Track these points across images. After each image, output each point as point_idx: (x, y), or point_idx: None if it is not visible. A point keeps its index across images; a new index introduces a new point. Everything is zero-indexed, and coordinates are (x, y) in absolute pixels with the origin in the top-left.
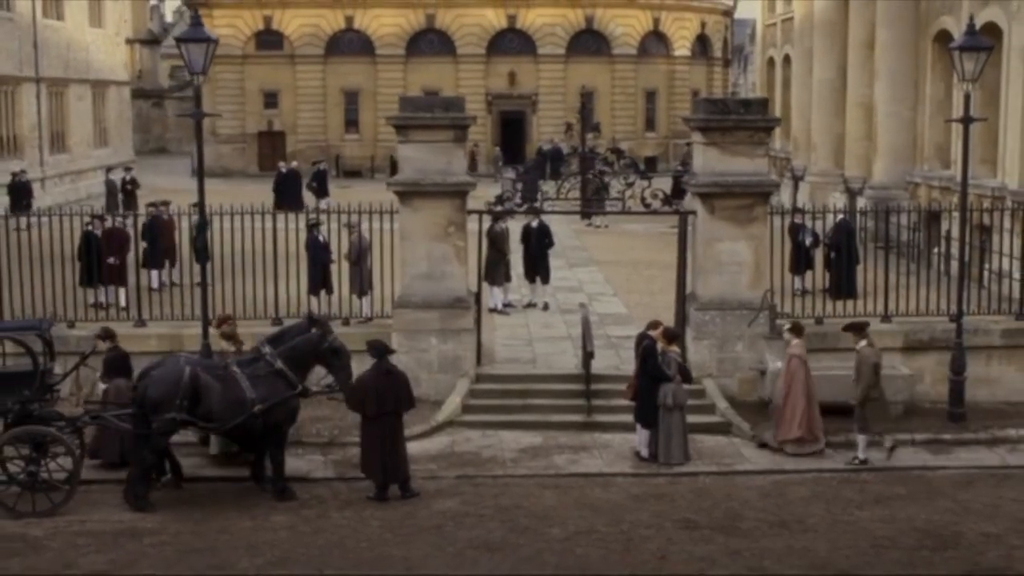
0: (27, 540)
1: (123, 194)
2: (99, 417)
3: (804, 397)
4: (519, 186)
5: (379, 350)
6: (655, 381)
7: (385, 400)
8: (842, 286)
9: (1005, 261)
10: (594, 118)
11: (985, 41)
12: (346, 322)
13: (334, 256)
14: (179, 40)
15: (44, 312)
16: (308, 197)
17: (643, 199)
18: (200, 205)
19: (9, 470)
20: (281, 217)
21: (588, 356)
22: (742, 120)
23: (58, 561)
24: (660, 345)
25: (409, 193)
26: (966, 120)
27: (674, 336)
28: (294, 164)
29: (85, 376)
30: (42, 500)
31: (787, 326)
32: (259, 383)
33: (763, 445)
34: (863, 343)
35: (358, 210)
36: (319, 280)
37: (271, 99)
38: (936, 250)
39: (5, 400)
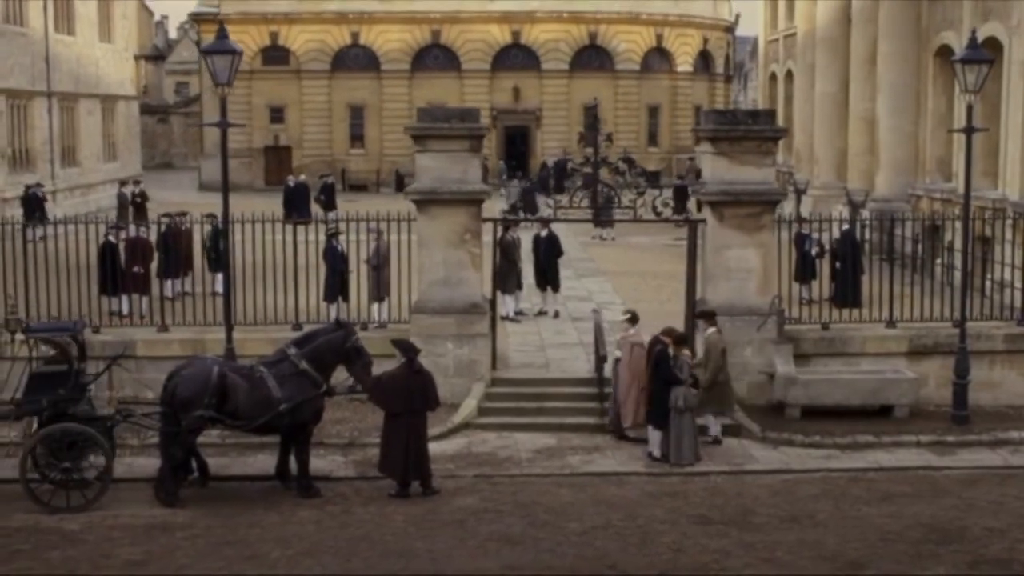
0: (63, 534)
1: (133, 207)
2: (130, 416)
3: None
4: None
5: (408, 349)
6: (667, 384)
7: (413, 398)
8: (847, 295)
9: (1007, 271)
10: (603, 128)
11: (986, 54)
12: (364, 327)
13: (351, 266)
14: (205, 52)
15: (70, 318)
16: (315, 210)
17: (654, 207)
18: (224, 213)
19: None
20: (292, 227)
21: (601, 360)
22: (750, 130)
23: (95, 552)
24: (671, 349)
25: (426, 201)
26: (969, 130)
27: (684, 340)
28: (302, 177)
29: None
30: (75, 496)
31: (625, 316)
32: (285, 383)
33: (622, 436)
34: (712, 330)
35: (376, 217)
36: (336, 288)
37: (277, 114)
38: (939, 261)
39: (41, 399)
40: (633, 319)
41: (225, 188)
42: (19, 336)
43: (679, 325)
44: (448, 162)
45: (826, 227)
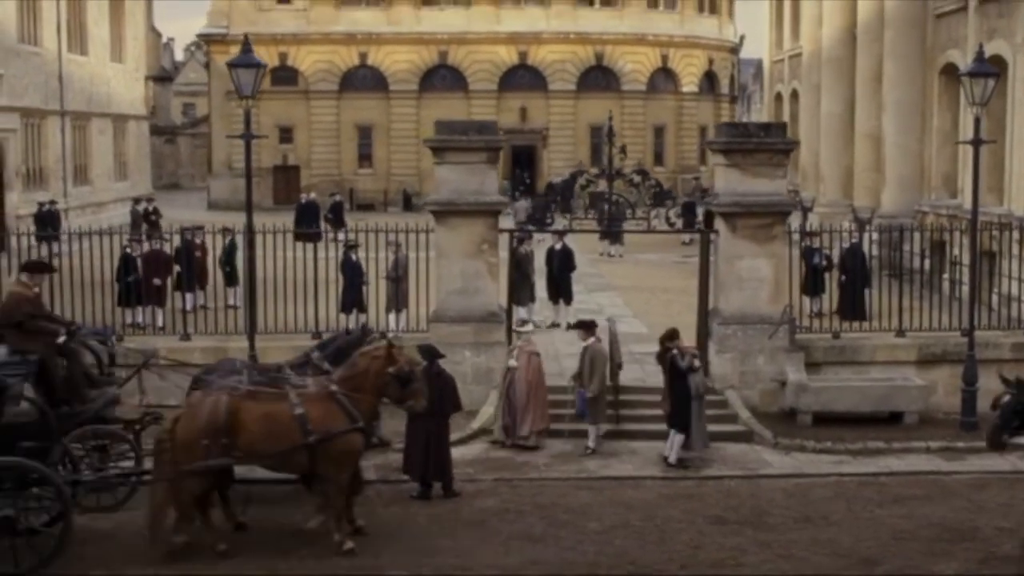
0: (96, 531)
1: (146, 223)
2: (159, 419)
3: (544, 388)
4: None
5: (430, 352)
6: (683, 378)
7: (431, 400)
8: (856, 307)
9: (1013, 285)
10: (617, 141)
11: (992, 67)
12: (382, 336)
13: (366, 278)
14: (231, 65)
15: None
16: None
17: (667, 218)
18: (248, 222)
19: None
20: (307, 241)
21: (616, 368)
22: (762, 143)
23: (129, 548)
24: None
25: (445, 212)
26: (976, 142)
27: (675, 334)
28: (313, 195)
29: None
30: (106, 497)
31: (517, 327)
32: None
33: (514, 444)
34: (591, 339)
35: (395, 229)
36: (353, 299)
37: (286, 134)
38: (945, 276)
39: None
40: (525, 329)
41: (248, 199)
42: None
43: (690, 337)
44: (466, 174)
45: (834, 239)
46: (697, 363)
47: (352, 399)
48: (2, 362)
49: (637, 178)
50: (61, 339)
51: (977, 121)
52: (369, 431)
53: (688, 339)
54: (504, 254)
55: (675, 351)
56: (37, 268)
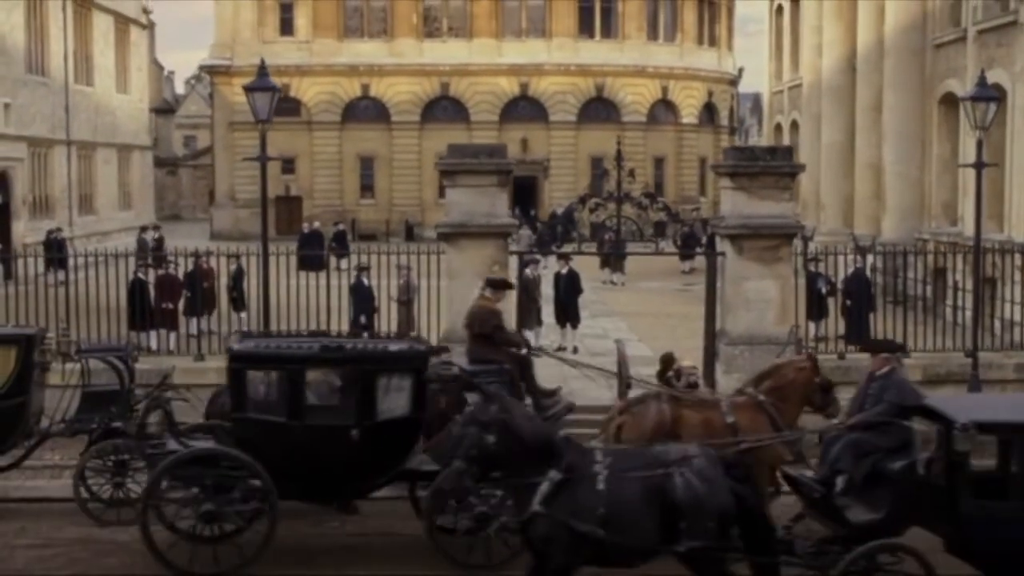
0: (118, 544)
1: (152, 251)
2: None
3: None
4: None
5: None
6: None
7: (445, 416)
8: (862, 331)
9: (1016, 310)
10: (625, 165)
11: (993, 92)
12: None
13: (377, 302)
14: (247, 88)
15: None
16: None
17: (675, 240)
18: (263, 244)
19: (91, 485)
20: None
21: (626, 388)
22: (768, 166)
23: (148, 559)
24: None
25: (456, 234)
26: (979, 165)
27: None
28: (316, 225)
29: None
30: (126, 511)
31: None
32: None
33: None
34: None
35: (406, 251)
36: (365, 322)
37: (288, 164)
38: (948, 303)
39: (93, 417)
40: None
41: (264, 219)
42: (68, 364)
43: (697, 360)
44: (477, 196)
45: (837, 264)
46: (694, 379)
47: (778, 408)
48: (480, 371)
49: (646, 201)
50: (523, 351)
51: (979, 144)
52: (795, 441)
53: (696, 361)
54: (512, 280)
55: (671, 373)
56: (499, 285)
